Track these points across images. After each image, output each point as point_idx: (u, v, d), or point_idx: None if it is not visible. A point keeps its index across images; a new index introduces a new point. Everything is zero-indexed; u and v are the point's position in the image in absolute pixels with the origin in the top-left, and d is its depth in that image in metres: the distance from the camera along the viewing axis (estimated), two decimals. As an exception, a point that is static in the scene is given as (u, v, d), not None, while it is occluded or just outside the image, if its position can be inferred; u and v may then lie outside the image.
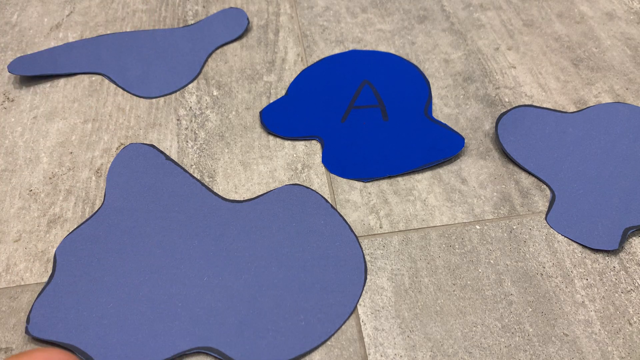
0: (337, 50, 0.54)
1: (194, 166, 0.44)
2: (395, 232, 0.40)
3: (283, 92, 0.50)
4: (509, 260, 0.38)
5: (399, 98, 0.48)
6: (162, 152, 0.45)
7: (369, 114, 0.47)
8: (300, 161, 0.44)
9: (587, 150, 0.44)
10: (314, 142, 0.46)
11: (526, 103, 0.48)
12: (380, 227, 0.40)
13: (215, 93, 0.50)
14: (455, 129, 0.46)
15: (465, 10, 0.58)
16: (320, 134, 0.46)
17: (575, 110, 0.48)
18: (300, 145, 0.46)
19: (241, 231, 0.39)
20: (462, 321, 0.35)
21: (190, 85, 0.51)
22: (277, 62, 0.53)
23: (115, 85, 0.51)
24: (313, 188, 0.42)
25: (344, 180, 0.43)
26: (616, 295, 0.36)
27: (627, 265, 0.38)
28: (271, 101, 0.49)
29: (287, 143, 0.46)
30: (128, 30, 0.57)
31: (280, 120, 0.47)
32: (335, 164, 0.44)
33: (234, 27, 0.56)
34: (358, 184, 0.43)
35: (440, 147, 0.44)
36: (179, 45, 0.55)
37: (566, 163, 0.43)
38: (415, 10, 0.58)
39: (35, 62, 0.52)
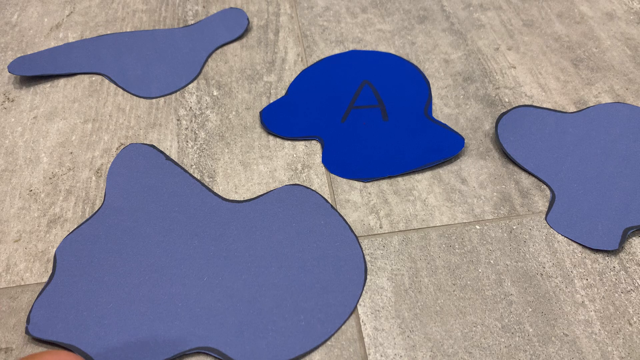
0: (337, 50, 0.54)
1: (194, 166, 0.44)
2: (395, 232, 0.40)
3: (283, 92, 0.50)
4: (509, 260, 0.38)
5: (399, 98, 0.48)
6: (162, 152, 0.45)
7: (369, 114, 0.47)
8: (300, 161, 0.44)
9: (587, 150, 0.44)
10: (314, 142, 0.46)
11: (526, 103, 0.48)
12: (380, 227, 0.40)
13: (215, 93, 0.50)
14: (455, 129, 0.46)
15: (465, 10, 0.58)
16: (320, 134, 0.46)
17: (575, 110, 0.48)
18: (300, 145, 0.46)
19: (241, 231, 0.39)
20: (462, 321, 0.35)
21: (190, 85, 0.51)
22: (277, 62, 0.53)
23: (115, 85, 0.51)
24: (313, 188, 0.42)
25: (344, 180, 0.43)
26: (616, 295, 0.36)
27: (627, 265, 0.38)
28: (271, 101, 0.49)
29: (287, 143, 0.46)
30: (128, 30, 0.57)
31: (280, 120, 0.47)
32: (335, 164, 0.44)
33: (234, 27, 0.56)
34: (358, 184, 0.43)
35: (440, 147, 0.44)
36: (179, 45, 0.55)
37: (566, 163, 0.43)
38: (415, 10, 0.58)
39: (35, 62, 0.52)
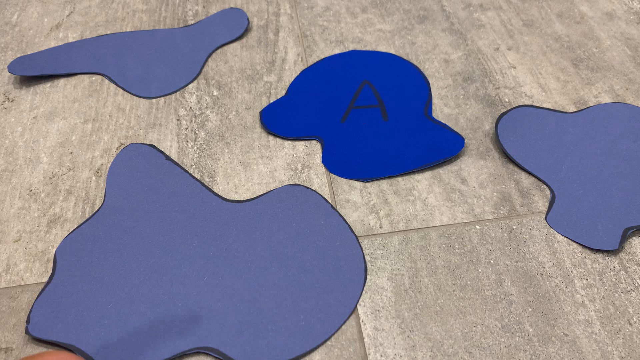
0: (337, 50, 0.54)
1: (194, 166, 0.44)
2: (395, 232, 0.40)
3: (283, 92, 0.50)
4: (509, 260, 0.38)
5: (399, 98, 0.48)
6: (162, 152, 0.45)
7: (369, 114, 0.47)
8: (300, 161, 0.44)
9: (587, 150, 0.44)
10: (314, 142, 0.46)
11: (526, 103, 0.48)
12: (380, 227, 0.40)
13: (215, 93, 0.50)
14: (455, 129, 0.46)
15: (465, 10, 0.58)
16: (320, 134, 0.46)
17: (575, 110, 0.48)
18: (300, 145, 0.46)
19: (241, 231, 0.39)
20: (462, 321, 0.35)
21: (190, 85, 0.51)
22: (277, 62, 0.53)
23: (115, 85, 0.51)
24: (313, 188, 0.42)
25: (344, 180, 0.43)
26: (616, 295, 0.36)
27: (627, 265, 0.38)
28: (271, 101, 0.49)
29: (287, 143, 0.46)
30: (128, 30, 0.57)
31: (280, 120, 0.47)
32: (335, 164, 0.44)
33: (234, 27, 0.56)
34: (358, 184, 0.43)
35: (440, 147, 0.44)
36: (179, 45, 0.55)
37: (566, 163, 0.43)
38: (415, 10, 0.58)
39: (35, 62, 0.52)
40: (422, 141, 0.45)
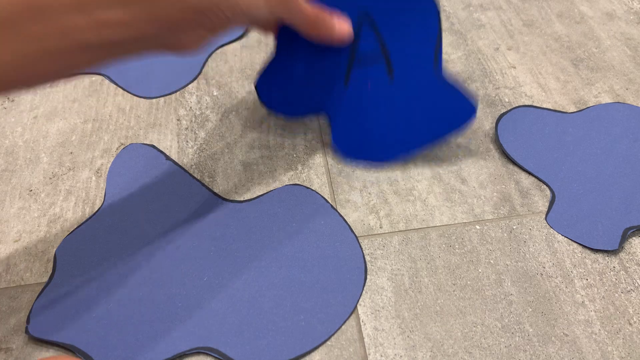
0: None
1: (194, 166, 0.44)
2: (395, 232, 0.40)
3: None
4: (509, 260, 0.38)
5: (404, 40, 0.40)
6: (162, 152, 0.45)
7: (373, 72, 0.41)
8: (300, 161, 0.44)
9: (587, 150, 0.44)
10: (314, 141, 0.46)
11: (526, 103, 0.48)
12: (380, 227, 0.40)
13: (215, 93, 0.50)
14: (455, 129, 0.46)
15: (465, 10, 0.58)
16: (325, 108, 0.42)
17: (575, 110, 0.48)
18: (301, 145, 0.46)
19: (241, 231, 0.39)
20: (462, 321, 0.35)
21: (190, 85, 0.51)
22: (277, 62, 0.53)
23: (115, 85, 0.51)
24: (313, 188, 0.42)
25: (344, 180, 0.43)
26: (616, 295, 0.36)
27: (627, 265, 0.38)
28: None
29: (287, 143, 0.46)
30: (128, 30, 0.57)
31: (279, 94, 0.43)
32: (345, 145, 0.41)
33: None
34: (358, 184, 0.43)
35: (450, 117, 0.40)
36: (179, 45, 0.55)
37: (566, 163, 0.43)
38: (415, 10, 0.58)
39: (35, 62, 0.52)
40: (431, 110, 0.40)
